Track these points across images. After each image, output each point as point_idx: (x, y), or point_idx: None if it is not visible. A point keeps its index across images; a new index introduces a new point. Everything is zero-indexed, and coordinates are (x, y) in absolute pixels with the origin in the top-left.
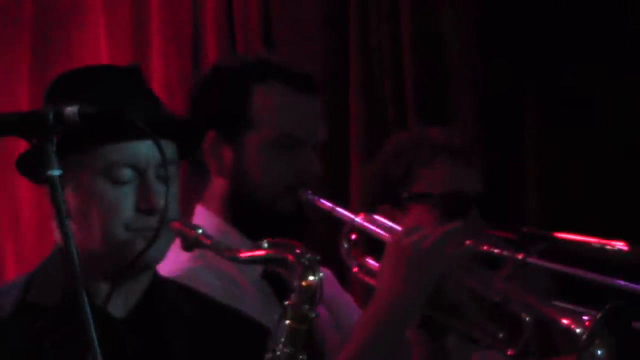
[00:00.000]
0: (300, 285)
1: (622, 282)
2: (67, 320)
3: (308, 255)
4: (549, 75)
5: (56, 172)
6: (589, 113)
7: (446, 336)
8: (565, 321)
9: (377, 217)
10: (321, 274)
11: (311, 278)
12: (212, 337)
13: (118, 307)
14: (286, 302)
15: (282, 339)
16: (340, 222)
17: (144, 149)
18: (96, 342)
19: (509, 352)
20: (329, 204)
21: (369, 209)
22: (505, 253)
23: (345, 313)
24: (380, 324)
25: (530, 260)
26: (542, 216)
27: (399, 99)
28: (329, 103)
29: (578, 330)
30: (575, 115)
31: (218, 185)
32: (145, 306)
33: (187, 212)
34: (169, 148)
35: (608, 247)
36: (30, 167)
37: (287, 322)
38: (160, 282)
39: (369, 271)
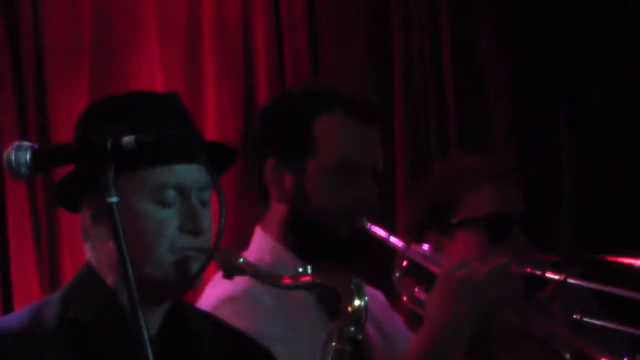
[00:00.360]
0: (347, 309)
1: None
2: (110, 337)
3: (353, 279)
4: (581, 98)
5: (114, 199)
6: (620, 132)
7: None
8: None
9: (426, 247)
10: (366, 298)
11: (357, 301)
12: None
13: (148, 326)
14: (333, 325)
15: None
16: (393, 250)
17: (189, 172)
18: (150, 356)
19: None
20: (383, 233)
21: (415, 237)
22: (547, 274)
23: (394, 334)
24: (428, 354)
25: (572, 280)
26: (577, 235)
27: (441, 129)
28: None
29: None
30: (606, 133)
31: (278, 210)
32: (171, 325)
33: (242, 235)
34: (204, 172)
35: None
36: (69, 194)
37: (334, 343)
38: (179, 304)
39: (418, 301)
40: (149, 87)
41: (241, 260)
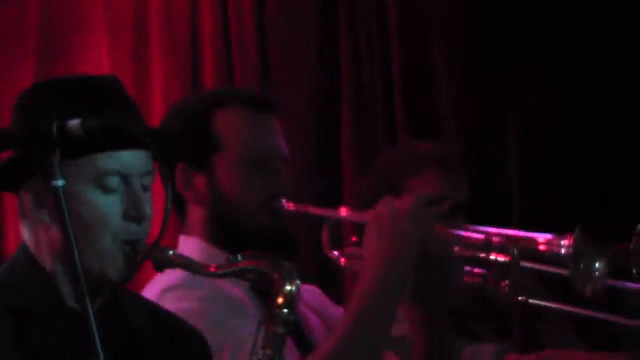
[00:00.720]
0: (279, 292)
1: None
2: (49, 325)
3: (284, 263)
4: (528, 91)
5: (60, 183)
6: (565, 124)
7: (439, 304)
8: (548, 248)
9: (352, 209)
10: (298, 281)
11: (289, 284)
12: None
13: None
14: (267, 308)
15: (264, 344)
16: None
17: (131, 158)
18: (99, 347)
19: (502, 292)
20: (303, 206)
21: None
22: (492, 257)
23: (336, 320)
24: (375, 285)
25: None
26: (525, 222)
27: (389, 118)
28: (321, 122)
29: (563, 251)
30: (553, 126)
31: (196, 213)
32: (108, 307)
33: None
34: (150, 160)
35: None
36: (10, 178)
37: (268, 326)
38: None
39: (355, 257)
40: (96, 71)
41: (171, 252)
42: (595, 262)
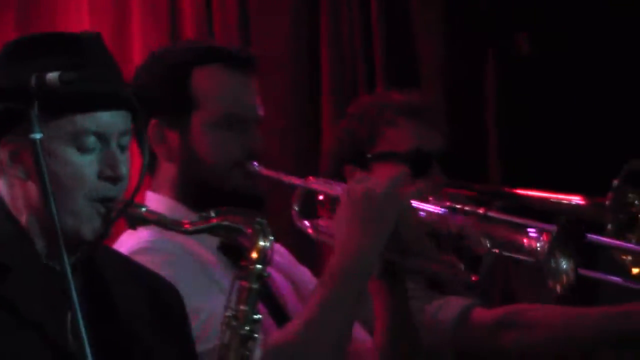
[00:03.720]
0: (252, 247)
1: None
2: (33, 279)
3: (257, 219)
4: (508, 44)
5: (38, 136)
6: (545, 80)
7: (404, 281)
8: (525, 240)
9: (324, 179)
10: (271, 237)
11: (261, 239)
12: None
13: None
14: (240, 263)
15: (237, 299)
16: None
17: (109, 118)
18: (77, 303)
19: (473, 278)
20: (275, 173)
21: (335, 169)
22: (466, 208)
23: (304, 282)
24: (345, 271)
25: (492, 214)
26: (502, 175)
27: (368, 63)
28: (300, 73)
29: (538, 245)
30: (532, 81)
31: (167, 170)
32: (82, 264)
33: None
34: (128, 119)
35: (565, 201)
36: None
37: (241, 282)
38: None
39: (324, 230)
40: (75, 24)
41: (143, 209)
42: (567, 261)
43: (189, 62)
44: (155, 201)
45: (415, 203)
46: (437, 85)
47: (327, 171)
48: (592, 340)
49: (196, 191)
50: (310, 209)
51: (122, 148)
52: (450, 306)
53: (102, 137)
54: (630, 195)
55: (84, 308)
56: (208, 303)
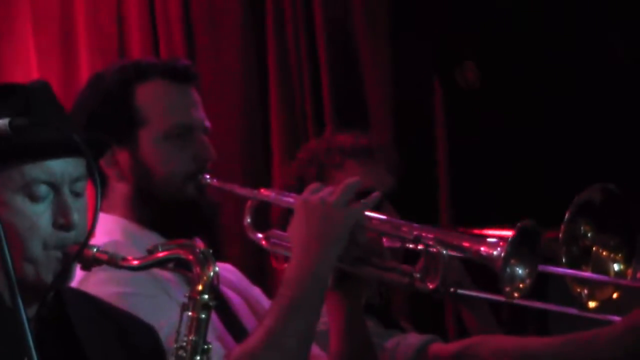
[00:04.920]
0: (197, 277)
1: None
2: None
3: (202, 249)
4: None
5: None
6: (493, 113)
7: (359, 293)
8: (482, 248)
9: (277, 190)
10: (216, 267)
11: (206, 269)
12: (109, 334)
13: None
14: (186, 295)
15: (186, 330)
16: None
17: (60, 166)
18: (33, 348)
19: (430, 286)
20: (228, 184)
21: (287, 215)
22: (419, 247)
23: (255, 299)
24: (301, 281)
25: (446, 252)
26: (452, 211)
27: (316, 92)
28: (250, 120)
29: (495, 253)
30: (481, 115)
31: (119, 189)
32: (51, 311)
33: None
34: (82, 165)
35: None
36: None
37: (190, 313)
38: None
39: (278, 241)
40: (24, 76)
41: (95, 249)
42: (523, 268)
43: (129, 79)
44: (109, 222)
45: (369, 213)
46: (385, 116)
47: (277, 215)
48: None
49: (150, 208)
50: (263, 220)
51: (77, 194)
52: (408, 342)
53: (53, 186)
54: (582, 227)
55: (52, 354)
56: (169, 319)
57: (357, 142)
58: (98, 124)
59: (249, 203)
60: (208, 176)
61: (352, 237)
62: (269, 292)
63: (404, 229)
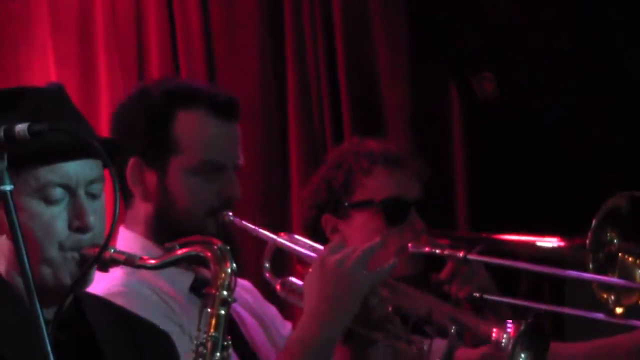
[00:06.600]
0: (216, 274)
1: (560, 271)
2: (7, 328)
3: (220, 245)
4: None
5: (8, 187)
6: (512, 123)
7: (369, 350)
8: (492, 330)
9: (298, 236)
10: (234, 263)
11: (225, 265)
12: (127, 339)
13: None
14: (205, 291)
15: (206, 326)
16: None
17: (75, 169)
18: (51, 352)
19: None
20: (250, 225)
21: (312, 220)
22: (446, 252)
23: (270, 319)
24: (310, 343)
25: (471, 257)
26: (470, 219)
27: (335, 106)
28: (269, 128)
29: (503, 339)
30: (498, 124)
31: (142, 208)
32: (66, 311)
33: None
34: (98, 166)
35: (545, 244)
36: None
37: (209, 309)
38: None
39: (293, 290)
40: (42, 80)
41: (112, 250)
42: (527, 355)
43: (173, 104)
44: (128, 239)
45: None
46: (402, 126)
47: (304, 220)
48: None
49: (169, 233)
50: (283, 260)
51: (93, 195)
52: (435, 349)
53: (68, 188)
54: (608, 234)
55: (70, 357)
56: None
57: (387, 148)
58: (133, 138)
59: (268, 246)
60: (231, 213)
61: (365, 301)
62: (285, 311)
63: (419, 300)
